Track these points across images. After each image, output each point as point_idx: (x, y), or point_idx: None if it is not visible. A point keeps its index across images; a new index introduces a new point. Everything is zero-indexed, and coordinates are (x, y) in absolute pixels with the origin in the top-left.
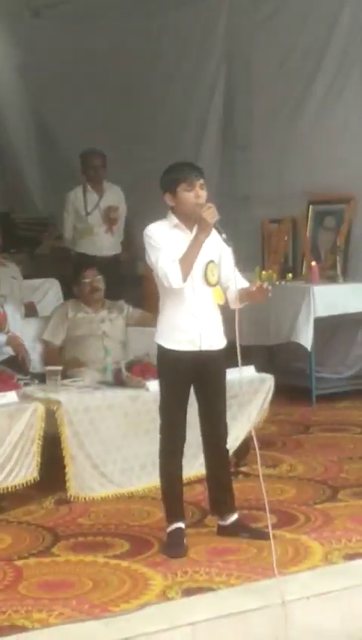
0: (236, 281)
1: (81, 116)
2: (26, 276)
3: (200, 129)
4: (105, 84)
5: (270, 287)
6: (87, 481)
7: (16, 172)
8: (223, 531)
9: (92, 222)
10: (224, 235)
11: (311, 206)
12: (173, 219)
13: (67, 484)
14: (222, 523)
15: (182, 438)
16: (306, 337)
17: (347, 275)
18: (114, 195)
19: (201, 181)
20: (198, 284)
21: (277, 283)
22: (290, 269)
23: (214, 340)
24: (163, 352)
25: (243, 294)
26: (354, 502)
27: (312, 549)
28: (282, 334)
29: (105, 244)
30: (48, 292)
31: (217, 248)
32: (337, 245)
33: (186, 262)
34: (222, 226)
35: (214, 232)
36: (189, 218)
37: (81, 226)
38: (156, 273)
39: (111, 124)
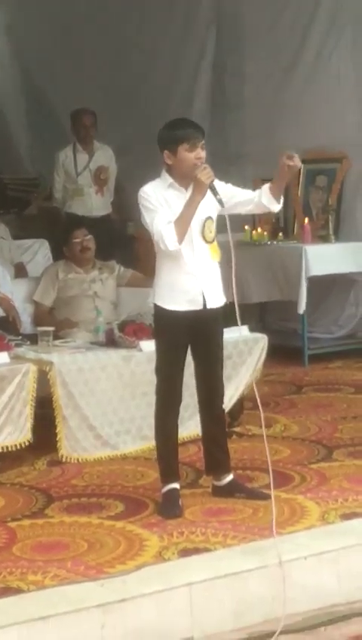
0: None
1: (70, 76)
2: (14, 237)
3: (190, 89)
4: (95, 44)
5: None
6: (80, 442)
7: (4, 132)
8: (218, 492)
9: (82, 182)
10: (219, 196)
11: (302, 165)
12: (168, 178)
13: (58, 444)
14: (217, 483)
15: (179, 399)
16: (300, 298)
17: (339, 235)
18: (104, 156)
19: (203, 142)
20: (197, 241)
21: (269, 243)
22: (282, 228)
23: (215, 297)
24: (162, 314)
25: (273, 186)
26: (349, 461)
27: (308, 509)
28: (274, 294)
29: (95, 204)
30: (38, 253)
31: (213, 202)
32: (329, 205)
33: (181, 223)
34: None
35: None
36: (185, 177)
37: (71, 186)
38: (151, 235)
39: (101, 84)
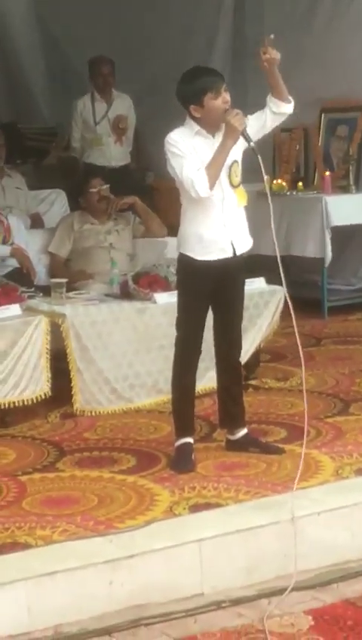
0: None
1: (88, 23)
2: (32, 187)
3: (210, 36)
4: None
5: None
6: (95, 395)
7: (22, 81)
8: (232, 446)
9: (100, 132)
10: (252, 144)
11: (323, 114)
12: (194, 126)
13: (73, 398)
14: (231, 437)
15: (199, 353)
16: (322, 249)
17: (360, 185)
18: (123, 104)
19: (225, 85)
20: (226, 187)
21: (288, 194)
22: (302, 178)
23: (243, 243)
24: (189, 264)
25: (272, 89)
26: None
27: (323, 463)
28: (294, 245)
29: (114, 154)
30: (54, 203)
31: (239, 145)
32: (350, 154)
33: (213, 169)
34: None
35: None
36: (215, 125)
37: (89, 135)
38: (180, 182)
39: (119, 31)
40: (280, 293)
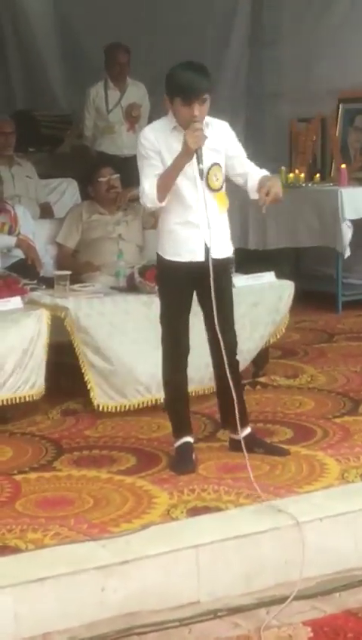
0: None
1: (103, 9)
2: (45, 175)
3: (227, 24)
4: None
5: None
6: (118, 389)
7: (38, 68)
8: (236, 446)
9: (113, 119)
10: (201, 166)
11: (340, 104)
12: (173, 120)
13: (91, 394)
14: (234, 437)
15: (185, 349)
16: (340, 241)
17: None
18: (137, 92)
19: (204, 96)
20: (203, 191)
21: (304, 185)
22: (318, 170)
23: (220, 248)
24: (163, 263)
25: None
26: None
27: (328, 466)
28: (311, 238)
29: (126, 142)
30: (65, 192)
31: (223, 147)
32: None
33: (163, 183)
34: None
35: (224, 128)
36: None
37: (102, 123)
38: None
39: (135, 17)
40: (290, 287)
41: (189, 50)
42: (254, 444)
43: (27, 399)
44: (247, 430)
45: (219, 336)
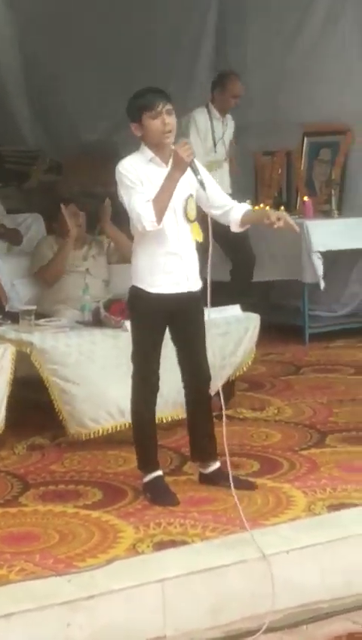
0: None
1: (70, 47)
2: (13, 210)
3: (193, 56)
4: (96, 13)
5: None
6: (91, 414)
7: (3, 103)
8: (205, 479)
9: None
10: (200, 176)
11: (305, 138)
12: (148, 152)
13: (65, 425)
14: (203, 471)
15: (156, 387)
16: (307, 273)
17: (342, 210)
18: None
19: (168, 106)
20: (181, 220)
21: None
22: (284, 203)
23: (196, 280)
24: (140, 296)
25: (247, 219)
26: (342, 448)
27: (295, 498)
28: (276, 271)
29: None
30: (31, 227)
31: (194, 180)
32: (332, 179)
33: (160, 202)
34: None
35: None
36: (164, 151)
37: None
38: (130, 215)
39: (100, 52)
40: (255, 320)
41: (155, 84)
42: (222, 478)
43: None
44: (216, 464)
45: (192, 369)
